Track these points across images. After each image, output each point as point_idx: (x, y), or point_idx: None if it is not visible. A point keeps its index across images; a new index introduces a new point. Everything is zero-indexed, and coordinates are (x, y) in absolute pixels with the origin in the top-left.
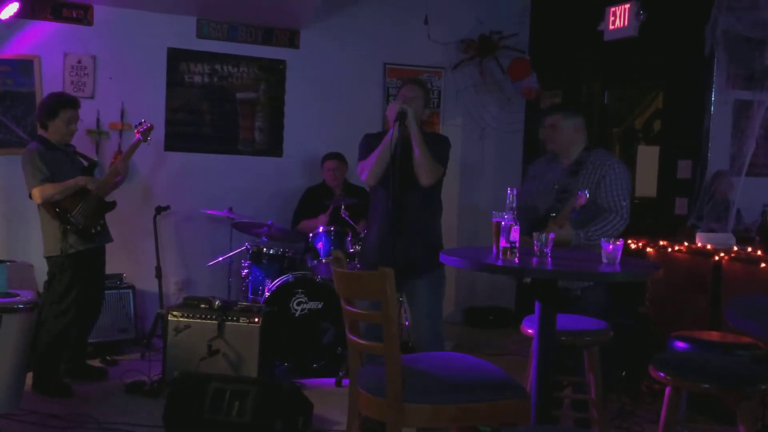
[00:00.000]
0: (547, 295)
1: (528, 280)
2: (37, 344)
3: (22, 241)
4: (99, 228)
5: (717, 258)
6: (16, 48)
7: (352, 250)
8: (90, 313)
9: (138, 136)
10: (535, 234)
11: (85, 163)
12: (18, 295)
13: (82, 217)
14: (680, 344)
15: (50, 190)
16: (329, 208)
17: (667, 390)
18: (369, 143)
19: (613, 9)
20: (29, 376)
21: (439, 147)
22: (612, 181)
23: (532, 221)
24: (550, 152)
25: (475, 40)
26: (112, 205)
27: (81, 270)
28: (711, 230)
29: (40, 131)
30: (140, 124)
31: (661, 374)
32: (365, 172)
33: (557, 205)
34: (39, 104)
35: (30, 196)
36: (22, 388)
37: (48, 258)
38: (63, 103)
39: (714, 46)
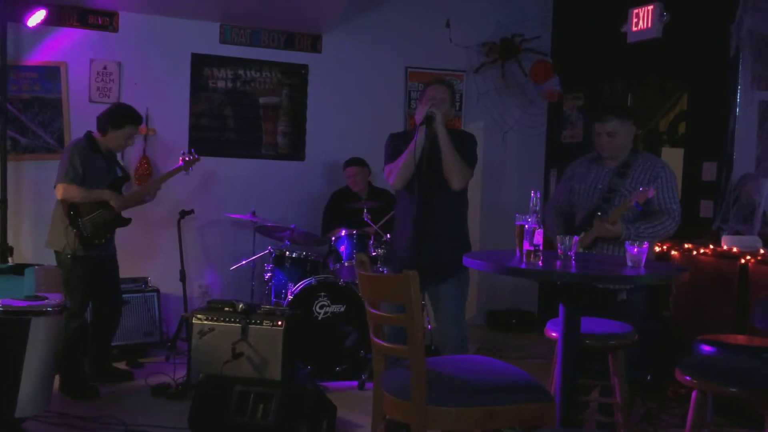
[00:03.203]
0: (571, 298)
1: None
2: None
3: None
4: (104, 240)
5: (743, 261)
6: (43, 55)
7: (374, 254)
8: (108, 319)
9: (180, 162)
10: (559, 237)
11: (120, 174)
12: (46, 298)
13: (90, 226)
14: (706, 348)
15: (74, 192)
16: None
17: (694, 394)
18: (394, 144)
19: (636, 10)
20: (57, 378)
21: (466, 146)
22: (664, 184)
23: (568, 221)
24: (596, 153)
25: (497, 43)
26: (126, 222)
27: (86, 275)
28: (737, 233)
29: (96, 133)
30: (189, 152)
31: (688, 378)
32: (392, 176)
33: (603, 205)
34: (107, 110)
35: (54, 188)
36: (51, 390)
37: (55, 253)
38: (130, 118)
39: (739, 46)
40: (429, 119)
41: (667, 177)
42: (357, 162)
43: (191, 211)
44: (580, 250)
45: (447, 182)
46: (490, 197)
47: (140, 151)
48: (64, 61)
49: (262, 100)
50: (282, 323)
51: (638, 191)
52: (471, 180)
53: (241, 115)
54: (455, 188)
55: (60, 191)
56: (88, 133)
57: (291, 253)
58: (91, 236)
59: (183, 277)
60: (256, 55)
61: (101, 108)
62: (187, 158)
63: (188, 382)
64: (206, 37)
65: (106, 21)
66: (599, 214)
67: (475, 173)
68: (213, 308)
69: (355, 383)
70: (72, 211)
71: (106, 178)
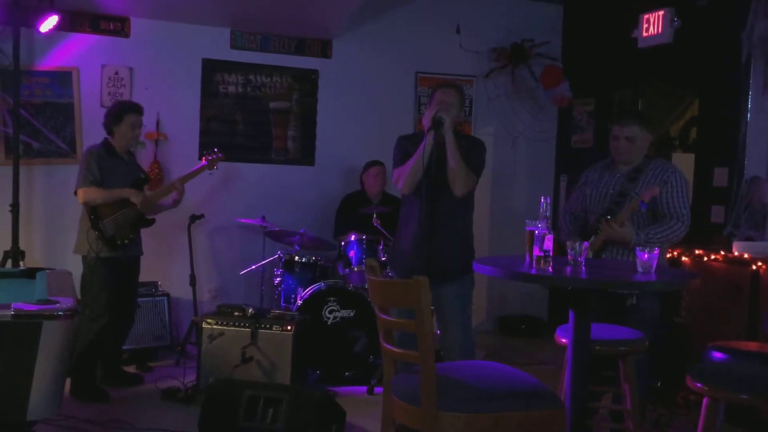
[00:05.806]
0: (580, 304)
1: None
2: (74, 350)
3: (61, 248)
4: (127, 241)
5: (755, 267)
6: (56, 60)
7: (384, 259)
8: (124, 322)
9: (204, 162)
10: (569, 243)
11: (141, 175)
12: (58, 302)
13: (111, 227)
14: (717, 354)
15: (94, 194)
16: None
17: (705, 401)
18: (403, 147)
19: (647, 16)
20: (68, 381)
21: (475, 154)
22: (673, 188)
23: (582, 226)
24: (609, 159)
25: (507, 48)
26: (150, 222)
27: (111, 276)
28: (748, 238)
29: (108, 138)
30: (213, 152)
31: (699, 385)
32: (401, 181)
33: (613, 208)
34: (106, 112)
35: (75, 193)
36: (62, 393)
37: (83, 257)
38: (127, 109)
39: (750, 52)
40: (438, 124)
41: (677, 181)
42: (380, 162)
43: (201, 216)
44: (590, 255)
45: (450, 188)
46: (499, 202)
47: (151, 156)
48: (76, 67)
49: (272, 105)
50: (291, 328)
51: (644, 190)
52: (481, 185)
53: (251, 120)
54: (458, 195)
55: (81, 195)
56: (105, 139)
57: (300, 257)
58: (114, 237)
59: (193, 282)
60: (267, 61)
61: None
62: (211, 157)
63: (198, 386)
64: (217, 43)
65: (118, 26)
66: (608, 217)
67: (484, 178)
68: (223, 312)
69: (364, 388)
70: (93, 214)
71: (127, 178)
